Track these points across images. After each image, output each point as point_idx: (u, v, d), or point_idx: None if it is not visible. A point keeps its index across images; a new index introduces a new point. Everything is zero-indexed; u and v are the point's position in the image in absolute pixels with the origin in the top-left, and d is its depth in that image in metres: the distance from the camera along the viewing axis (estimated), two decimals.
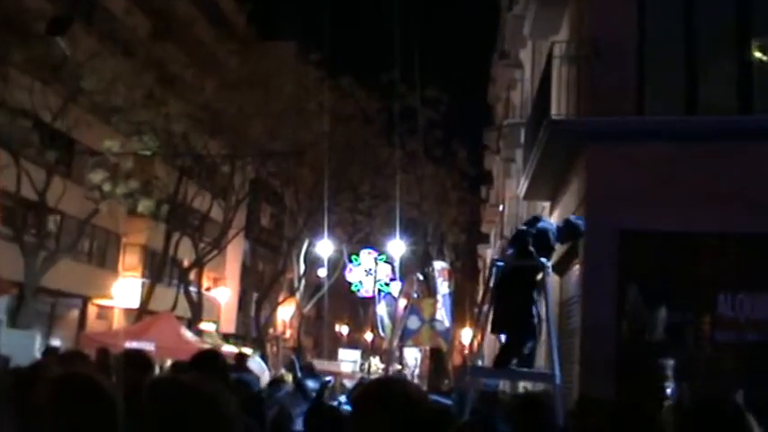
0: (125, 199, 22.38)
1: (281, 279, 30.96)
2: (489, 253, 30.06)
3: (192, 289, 25.45)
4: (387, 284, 27.19)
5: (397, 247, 27.10)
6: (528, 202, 15.24)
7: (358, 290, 28.29)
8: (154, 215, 24.74)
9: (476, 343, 8.85)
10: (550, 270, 6.97)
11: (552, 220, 8.59)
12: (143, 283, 26.34)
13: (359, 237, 30.34)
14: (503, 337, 7.09)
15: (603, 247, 7.93)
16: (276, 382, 8.86)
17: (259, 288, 32.09)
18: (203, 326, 26.04)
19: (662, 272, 7.76)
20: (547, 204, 11.62)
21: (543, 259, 6.77)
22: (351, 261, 28.32)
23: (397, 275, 26.93)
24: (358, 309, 43.97)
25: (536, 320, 6.75)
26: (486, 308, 7.21)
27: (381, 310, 22.37)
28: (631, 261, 7.90)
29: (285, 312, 38.62)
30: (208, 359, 3.65)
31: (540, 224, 7.10)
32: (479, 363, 7.49)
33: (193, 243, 25.24)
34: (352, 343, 46.12)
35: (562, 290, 10.03)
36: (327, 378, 8.98)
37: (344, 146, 24.51)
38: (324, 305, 30.51)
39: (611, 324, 7.70)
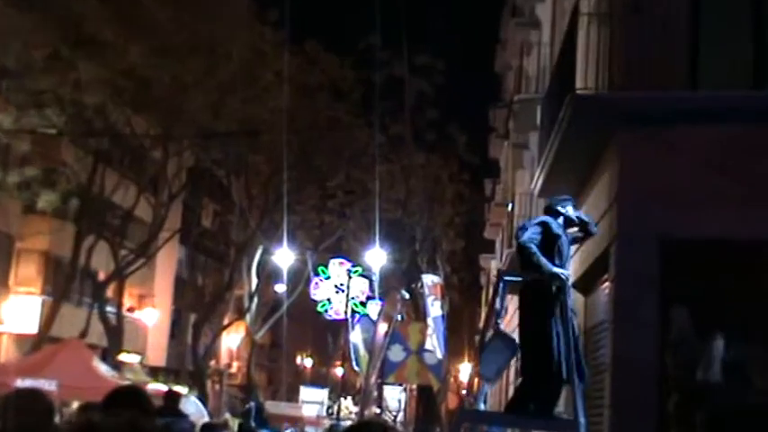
0: (20, 191, 22.08)
1: (226, 296, 30.92)
2: (494, 265, 30.19)
3: (110, 309, 25.24)
4: (363, 304, 27.26)
5: (377, 256, 27.13)
6: (544, 199, 15.28)
7: (326, 311, 28.28)
8: (59, 213, 24.44)
9: (476, 381, 8.86)
10: (569, 282, 6.95)
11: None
12: (43, 302, 26.04)
13: (328, 243, 30.35)
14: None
15: (641, 259, 7.95)
16: (210, 427, 8.75)
17: (198, 308, 31.96)
18: (124, 357, 25.83)
19: (718, 291, 7.77)
20: None
21: (559, 269, 6.75)
22: (317, 274, 28.33)
23: (376, 293, 26.96)
24: (326, 335, 44.07)
25: (560, 352, 6.73)
26: (489, 335, 7.18)
27: (356, 336, 22.42)
28: (678, 277, 7.91)
29: (232, 340, 38.51)
30: (126, 398, 3.55)
31: (540, 219, 7.12)
32: (481, 406, 7.39)
33: (112, 250, 25.02)
34: (318, 379, 46.21)
35: (587, 314, 10.04)
36: (288, 430, 8.96)
37: (310, 126, 24.49)
38: (282, 330, 30.45)
39: (651, 358, 7.72)
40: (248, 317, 30.14)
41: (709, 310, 7.70)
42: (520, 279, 7.07)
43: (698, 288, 7.83)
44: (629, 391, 7.79)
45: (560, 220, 7.05)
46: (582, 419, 6.55)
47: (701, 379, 7.36)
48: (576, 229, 7.25)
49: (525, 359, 6.89)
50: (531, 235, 6.85)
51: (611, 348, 8.10)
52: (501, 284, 7.13)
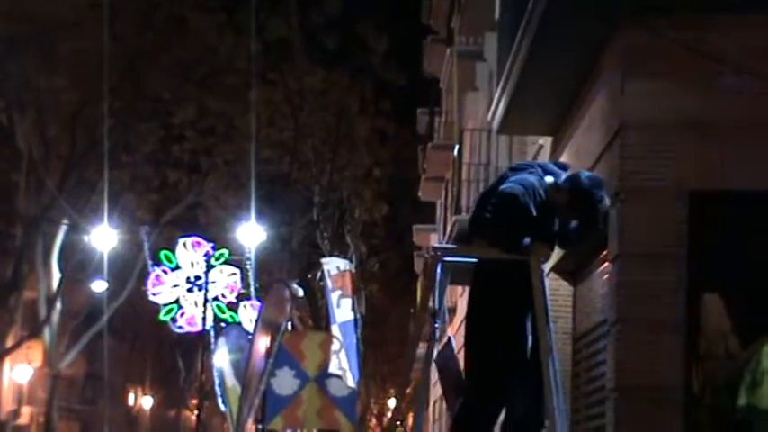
0: None
1: (10, 302, 30.45)
2: (435, 240, 30.41)
3: None
4: (231, 308, 27.12)
5: (252, 232, 27.16)
6: (509, 138, 15.40)
7: (173, 320, 28.05)
8: None
9: (410, 420, 9.16)
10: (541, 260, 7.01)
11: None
12: None
13: (174, 213, 30.10)
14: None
15: (659, 226, 8.02)
16: None
17: None
18: None
19: None
20: (545, 141, 11.77)
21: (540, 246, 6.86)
22: (158, 263, 28.03)
23: (252, 289, 26.88)
24: (175, 358, 43.89)
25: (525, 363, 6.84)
26: (422, 350, 7.31)
27: (221, 359, 22.31)
28: (713, 251, 8.00)
29: (20, 372, 37.90)
30: None
31: (517, 176, 7.17)
32: None
33: None
34: (163, 429, 46.04)
35: (577, 312, 10.16)
36: None
37: (142, 26, 24.26)
38: (102, 354, 30.10)
39: (673, 376, 7.81)
40: (47, 333, 29.79)
41: (762, 302, 7.80)
42: (469, 260, 7.07)
43: (747, 267, 7.90)
44: (641, 428, 7.85)
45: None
46: None
47: (744, 405, 7.47)
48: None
49: (472, 373, 6.97)
50: (525, 182, 6.89)
51: (613, 364, 8.17)
52: (439, 269, 7.08)
